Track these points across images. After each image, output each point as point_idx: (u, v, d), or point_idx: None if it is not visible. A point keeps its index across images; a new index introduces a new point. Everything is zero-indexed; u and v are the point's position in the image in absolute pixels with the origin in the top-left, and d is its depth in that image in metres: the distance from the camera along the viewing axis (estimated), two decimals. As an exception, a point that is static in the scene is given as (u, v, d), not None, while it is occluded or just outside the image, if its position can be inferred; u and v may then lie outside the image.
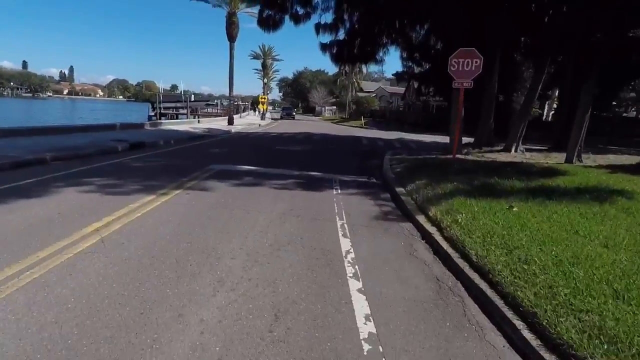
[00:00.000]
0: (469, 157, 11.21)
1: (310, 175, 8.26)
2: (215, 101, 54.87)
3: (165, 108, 38.83)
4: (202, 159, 9.42)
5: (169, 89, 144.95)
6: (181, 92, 46.83)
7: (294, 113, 49.74)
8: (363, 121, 39.43)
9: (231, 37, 22.60)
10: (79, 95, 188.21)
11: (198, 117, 42.04)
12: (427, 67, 18.42)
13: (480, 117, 14.06)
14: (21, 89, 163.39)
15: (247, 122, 30.17)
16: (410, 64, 18.12)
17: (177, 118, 39.73)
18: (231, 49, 22.79)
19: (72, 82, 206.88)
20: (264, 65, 51.72)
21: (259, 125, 27.99)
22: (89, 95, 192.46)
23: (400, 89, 55.75)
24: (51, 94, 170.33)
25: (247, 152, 11.61)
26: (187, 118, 37.56)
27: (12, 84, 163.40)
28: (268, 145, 13.98)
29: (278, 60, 56.92)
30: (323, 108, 73.22)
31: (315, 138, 18.70)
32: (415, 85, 38.71)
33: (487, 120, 13.75)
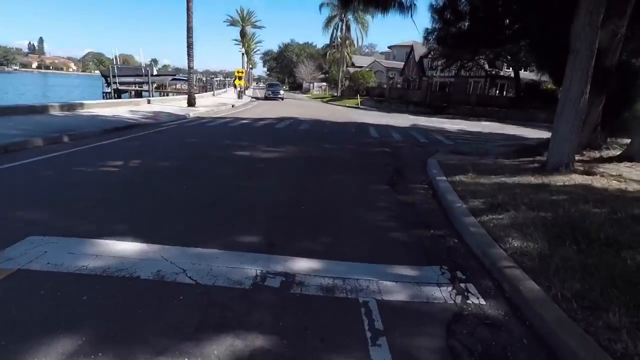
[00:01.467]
0: (597, 179, 5.89)
1: (289, 275, 2.89)
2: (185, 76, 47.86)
3: (122, 83, 32.25)
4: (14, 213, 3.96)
5: (148, 63, 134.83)
6: (142, 64, 39.84)
7: (282, 92, 36.01)
8: (359, 100, 33.72)
9: (187, -16, 16.38)
10: (49, 69, 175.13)
11: (164, 94, 35.70)
12: (466, 24, 12.81)
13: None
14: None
15: (217, 102, 24.20)
16: (449, 15, 12.47)
17: (140, 95, 33.34)
18: (188, 1, 16.62)
19: (42, 54, 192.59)
20: (242, 34, 44.86)
21: (232, 106, 22.14)
22: (61, 69, 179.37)
23: (398, 64, 49.87)
24: (17, 68, 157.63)
25: (163, 173, 6.06)
26: (149, 95, 31.24)
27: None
28: (219, 149, 8.29)
29: (259, 27, 50.07)
30: (311, 84, 66.79)
31: (303, 128, 13.04)
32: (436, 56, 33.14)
33: (592, 105, 8.40)
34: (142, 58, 41.50)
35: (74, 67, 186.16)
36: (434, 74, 32.73)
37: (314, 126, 13.93)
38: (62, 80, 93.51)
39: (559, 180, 5.58)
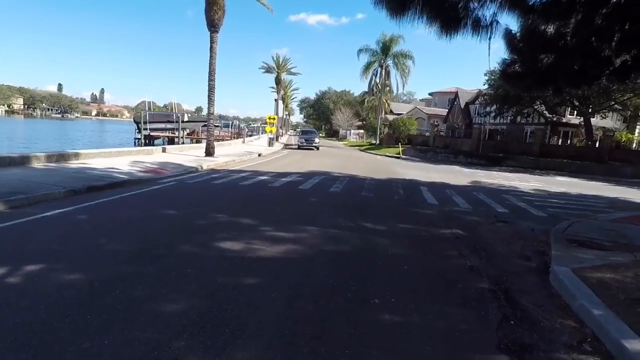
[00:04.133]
0: None
1: None
2: (222, 122, 47.82)
3: (154, 129, 31.72)
4: None
5: (193, 110, 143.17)
6: (173, 110, 39.85)
7: (318, 140, 30.33)
8: (400, 149, 30.73)
9: (212, 24, 14.83)
10: (106, 116, 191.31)
11: (196, 141, 34.76)
12: (551, 57, 9.73)
13: None
14: (52, 110, 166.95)
15: (243, 150, 22.18)
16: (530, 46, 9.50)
17: (173, 142, 32.62)
18: (212, 41, 14.97)
19: (102, 103, 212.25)
20: (277, 80, 44.28)
21: (259, 155, 19.90)
22: (116, 116, 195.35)
23: (440, 111, 47.14)
24: (78, 115, 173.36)
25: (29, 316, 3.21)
26: (179, 142, 30.29)
27: (43, 105, 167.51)
28: (199, 232, 5.04)
29: (294, 74, 49.53)
30: (348, 132, 65.34)
31: (335, 191, 9.87)
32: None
33: None
34: (174, 104, 41.70)
35: (127, 114, 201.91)
36: (486, 121, 29.31)
37: (349, 186, 10.86)
38: (111, 126, 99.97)
39: None
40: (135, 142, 32.02)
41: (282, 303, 3.24)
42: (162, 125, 32.59)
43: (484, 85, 29.57)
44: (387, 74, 42.11)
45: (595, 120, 28.74)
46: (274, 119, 28.80)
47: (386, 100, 47.22)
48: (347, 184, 11.18)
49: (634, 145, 29.84)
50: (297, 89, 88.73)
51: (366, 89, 50.37)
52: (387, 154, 30.40)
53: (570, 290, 3.67)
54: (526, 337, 2.96)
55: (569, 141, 30.16)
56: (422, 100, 69.65)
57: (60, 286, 3.25)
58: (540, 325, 3.18)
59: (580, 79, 10.03)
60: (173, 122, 31.84)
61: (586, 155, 23.20)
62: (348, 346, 2.66)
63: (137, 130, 31.42)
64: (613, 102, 25.02)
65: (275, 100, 43.12)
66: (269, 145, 27.27)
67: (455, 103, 40.70)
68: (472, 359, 2.68)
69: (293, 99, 75.44)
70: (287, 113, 74.66)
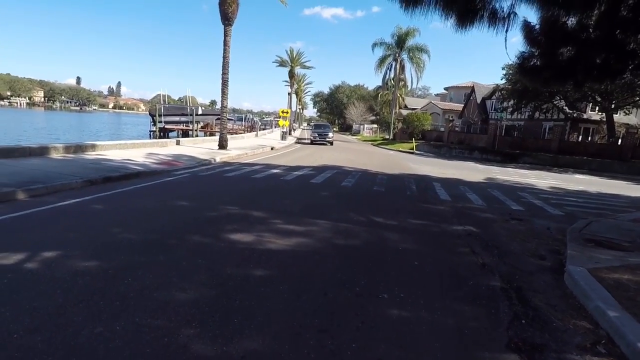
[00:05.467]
0: None
1: None
2: (235, 115, 48.08)
3: (168, 122, 32.14)
4: None
5: (207, 104, 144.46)
6: (187, 103, 40.24)
7: (332, 134, 29.20)
8: (414, 144, 30.40)
9: (226, 17, 14.86)
10: (122, 109, 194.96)
11: (209, 134, 34.98)
12: (572, 50, 9.39)
13: None
14: (70, 102, 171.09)
15: (256, 143, 22.30)
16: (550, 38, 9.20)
17: (187, 135, 33.06)
18: (226, 34, 15.01)
19: (119, 96, 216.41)
20: (291, 74, 44.12)
21: (272, 149, 19.96)
22: (132, 109, 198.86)
23: (456, 106, 46.36)
24: (96, 108, 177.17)
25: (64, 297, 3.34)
26: (193, 135, 30.66)
27: (63, 97, 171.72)
28: (210, 223, 4.94)
29: (308, 67, 49.21)
30: (362, 126, 64.93)
31: (346, 185, 9.78)
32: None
33: None
34: (189, 97, 42.09)
35: (143, 107, 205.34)
36: (503, 116, 28.68)
37: (361, 181, 10.80)
38: (127, 118, 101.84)
39: None
40: (150, 134, 32.52)
41: (291, 295, 3.26)
42: (177, 118, 33.01)
43: (502, 79, 28.91)
44: (402, 68, 41.53)
45: (618, 117, 27.81)
46: (287, 112, 28.83)
47: (400, 95, 46.63)
48: (359, 179, 11.13)
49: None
50: (310, 83, 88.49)
51: (380, 84, 49.82)
52: (401, 149, 30.10)
53: (585, 291, 3.57)
54: (537, 337, 2.91)
55: (589, 138, 29.29)
56: (437, 95, 68.54)
57: (75, 272, 3.34)
58: (552, 325, 3.11)
59: (603, 73, 9.68)
60: (187, 115, 32.23)
61: (607, 152, 22.49)
62: (355, 340, 2.65)
63: (152, 123, 31.93)
64: (638, 98, 24.10)
65: (289, 94, 43.07)
66: (282, 139, 27.32)
67: (472, 98, 39.94)
68: (481, 357, 2.64)
69: (306, 93, 75.30)
70: (300, 107, 74.63)
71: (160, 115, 30.05)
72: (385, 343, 2.65)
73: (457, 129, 38.32)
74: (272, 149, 19.97)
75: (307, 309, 3.04)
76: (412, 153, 27.19)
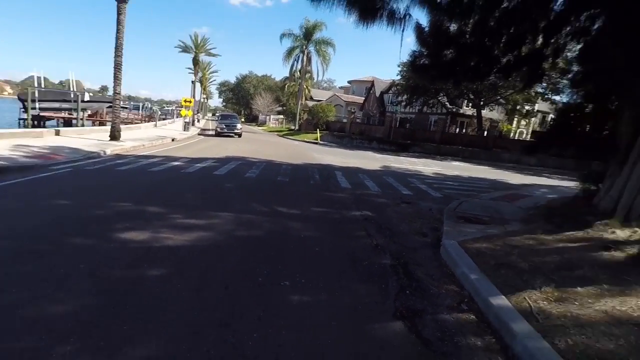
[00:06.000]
0: None
1: None
2: (131, 103, 43.25)
3: (45, 109, 27.27)
4: None
5: (97, 89, 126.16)
6: (71, 87, 34.85)
7: (240, 126, 26.53)
8: (318, 135, 31.41)
9: (113, -9, 13.12)
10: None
11: (99, 124, 30.71)
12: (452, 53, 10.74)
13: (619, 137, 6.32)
14: None
15: (155, 134, 20.48)
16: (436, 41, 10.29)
17: (70, 124, 28.42)
18: (119, 12, 13.25)
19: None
20: (195, 61, 41.38)
21: (173, 140, 18.53)
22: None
23: (358, 99, 49.19)
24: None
25: None
26: (78, 124, 26.62)
27: None
28: (98, 222, 4.64)
29: (214, 55, 46.83)
30: (268, 117, 64.42)
31: (251, 176, 9.63)
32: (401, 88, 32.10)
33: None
34: (72, 81, 36.30)
35: (10, 91, 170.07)
36: (398, 110, 31.50)
37: (266, 171, 10.79)
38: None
39: None
40: (20, 122, 27.22)
41: (189, 293, 3.14)
42: (57, 105, 28.23)
43: (397, 76, 31.64)
44: (309, 60, 42.32)
45: (485, 112, 32.91)
46: (190, 102, 27.05)
47: (307, 87, 47.55)
48: (263, 169, 11.11)
49: (513, 134, 35.01)
50: (216, 72, 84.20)
51: (287, 75, 50.03)
52: (306, 139, 30.84)
53: (454, 260, 4.22)
54: (418, 304, 3.34)
55: (464, 130, 34.09)
56: (341, 87, 71.71)
57: None
58: (430, 292, 3.61)
59: (475, 74, 11.33)
60: (70, 101, 27.76)
61: (476, 143, 26.49)
62: (256, 329, 2.70)
63: (23, 110, 26.70)
64: (499, 97, 28.88)
65: (193, 82, 40.29)
66: (185, 130, 25.56)
67: (372, 92, 42.85)
68: (371, 328, 2.93)
69: (212, 81, 71.47)
70: (205, 96, 70.52)
71: (34, 101, 25.23)
72: (286, 329, 2.75)
73: (358, 120, 40.80)
74: (173, 140, 18.56)
75: (207, 305, 2.97)
76: (316, 143, 28.09)
